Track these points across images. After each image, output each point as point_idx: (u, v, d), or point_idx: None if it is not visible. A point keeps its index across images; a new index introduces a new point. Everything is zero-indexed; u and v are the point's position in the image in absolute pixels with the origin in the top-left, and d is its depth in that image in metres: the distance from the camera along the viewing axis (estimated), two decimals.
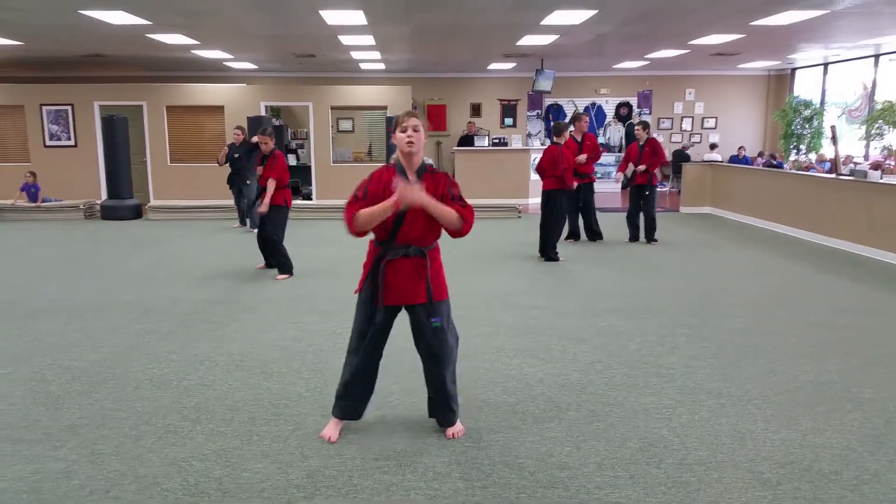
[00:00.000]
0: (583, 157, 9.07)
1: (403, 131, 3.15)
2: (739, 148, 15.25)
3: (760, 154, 15.32)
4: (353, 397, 3.42)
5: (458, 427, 3.47)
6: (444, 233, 3.26)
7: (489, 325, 5.39)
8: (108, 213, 11.95)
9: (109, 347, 4.86)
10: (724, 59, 13.87)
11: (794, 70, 16.06)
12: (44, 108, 13.60)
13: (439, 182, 3.22)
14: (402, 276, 3.21)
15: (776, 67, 16.03)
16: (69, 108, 13.63)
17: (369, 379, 3.43)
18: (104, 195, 13.04)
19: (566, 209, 8.33)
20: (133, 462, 3.18)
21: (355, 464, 3.16)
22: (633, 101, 16.80)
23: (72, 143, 13.73)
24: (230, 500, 2.85)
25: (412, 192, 3.00)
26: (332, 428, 3.44)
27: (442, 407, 3.45)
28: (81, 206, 12.21)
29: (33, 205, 12.20)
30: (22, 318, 5.61)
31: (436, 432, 3.48)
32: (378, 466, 3.14)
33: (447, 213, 3.13)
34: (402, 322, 3.35)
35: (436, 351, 3.32)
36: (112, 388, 4.10)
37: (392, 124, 3.24)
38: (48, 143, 13.66)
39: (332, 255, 8.41)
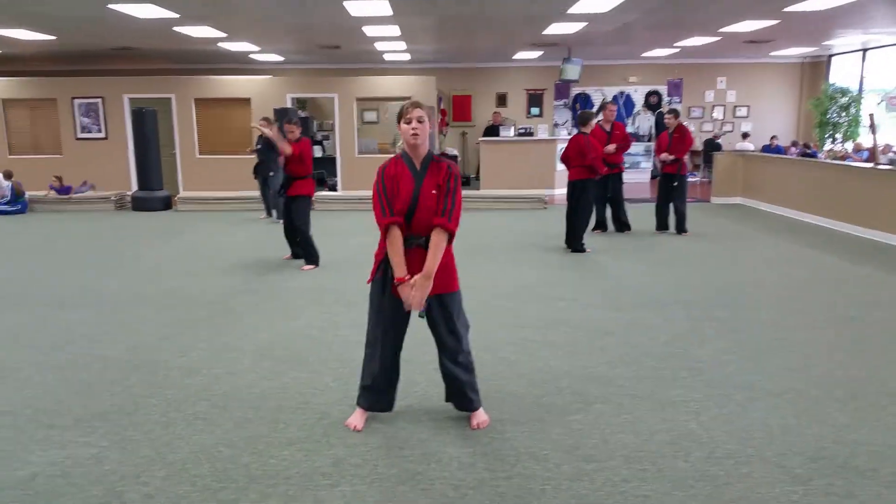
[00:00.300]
0: (612, 147, 8.98)
1: (408, 123, 3.15)
2: (772, 137, 15.01)
3: (794, 143, 15.06)
4: (377, 389, 3.43)
5: (482, 417, 3.47)
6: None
7: (514, 316, 5.37)
8: (139, 205, 12.10)
9: (140, 336, 4.92)
10: (756, 46, 13.64)
11: (830, 57, 15.74)
12: (75, 101, 13.80)
13: (441, 171, 3.18)
14: (411, 266, 3.19)
15: (811, 54, 15.72)
16: (100, 100, 13.81)
17: (391, 370, 3.44)
18: (134, 187, 13.21)
19: (593, 199, 8.25)
20: (163, 448, 3.22)
21: (380, 452, 3.17)
22: (663, 89, 16.59)
23: (102, 135, 13.91)
24: (257, 486, 2.88)
25: (410, 300, 3.19)
26: (357, 417, 3.46)
27: (457, 393, 3.47)
28: (112, 198, 12.38)
29: (65, 196, 12.39)
30: (55, 308, 5.70)
31: (461, 423, 3.48)
32: (403, 455, 3.14)
33: (440, 254, 3.17)
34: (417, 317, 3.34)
35: (444, 339, 3.35)
36: (142, 375, 4.15)
37: (397, 115, 3.22)
38: (79, 135, 13.86)
39: (357, 245, 8.43)
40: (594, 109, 16.36)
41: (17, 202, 11.77)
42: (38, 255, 8.02)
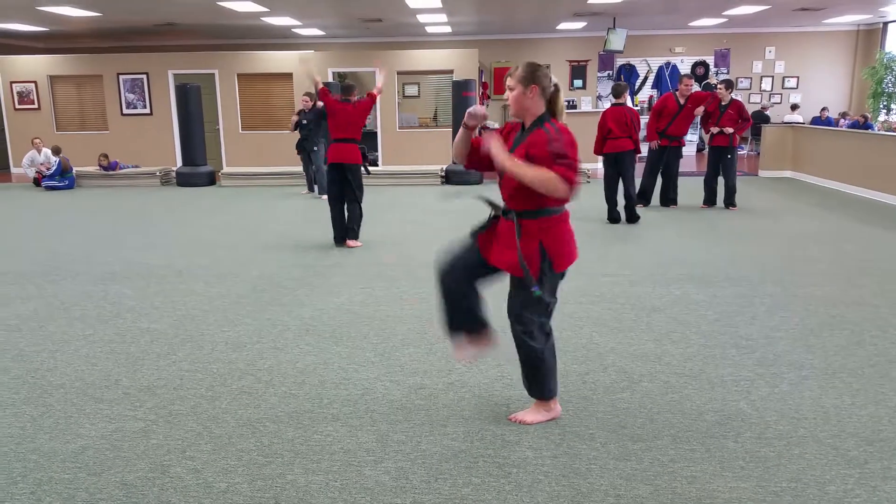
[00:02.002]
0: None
1: (509, 88, 2.99)
2: (822, 109, 14.56)
3: (843, 115, 14.58)
4: (448, 310, 3.24)
5: (522, 414, 3.26)
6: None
7: (557, 292, 5.29)
8: (183, 180, 12.25)
9: (186, 310, 4.98)
10: (808, 13, 13.19)
11: (886, 24, 15.13)
12: (120, 77, 13.99)
13: (538, 139, 2.88)
14: (492, 235, 3.08)
15: (866, 21, 15.14)
16: (144, 76, 13.99)
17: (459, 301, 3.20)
18: (179, 162, 13.38)
19: (633, 170, 8.14)
20: (209, 422, 3.26)
21: (423, 430, 3.16)
22: (710, 59, 16.17)
23: (147, 111, 14.11)
24: (302, 461, 2.89)
25: (489, 142, 2.92)
26: (459, 349, 3.36)
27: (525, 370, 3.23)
28: (157, 173, 12.56)
29: (111, 172, 12.60)
30: (103, 281, 5.80)
31: (504, 400, 3.45)
32: (446, 433, 3.12)
33: (530, 173, 2.80)
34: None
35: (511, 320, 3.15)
36: (189, 350, 4.21)
37: None
38: (125, 111, 14.07)
39: (397, 220, 8.42)
40: (635, 80, 16.10)
41: (65, 177, 12.01)
42: (86, 230, 8.17)
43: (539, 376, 3.16)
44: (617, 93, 8.01)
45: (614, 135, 7.85)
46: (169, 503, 2.61)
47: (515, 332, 3.14)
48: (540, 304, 3.09)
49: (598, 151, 8.17)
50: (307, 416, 3.31)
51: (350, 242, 7.00)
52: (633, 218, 8.02)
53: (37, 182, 12.13)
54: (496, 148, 2.90)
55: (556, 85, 3.00)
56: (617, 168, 7.99)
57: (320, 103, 9.35)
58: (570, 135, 2.91)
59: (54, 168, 11.92)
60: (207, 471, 2.83)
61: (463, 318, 3.24)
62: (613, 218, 8.09)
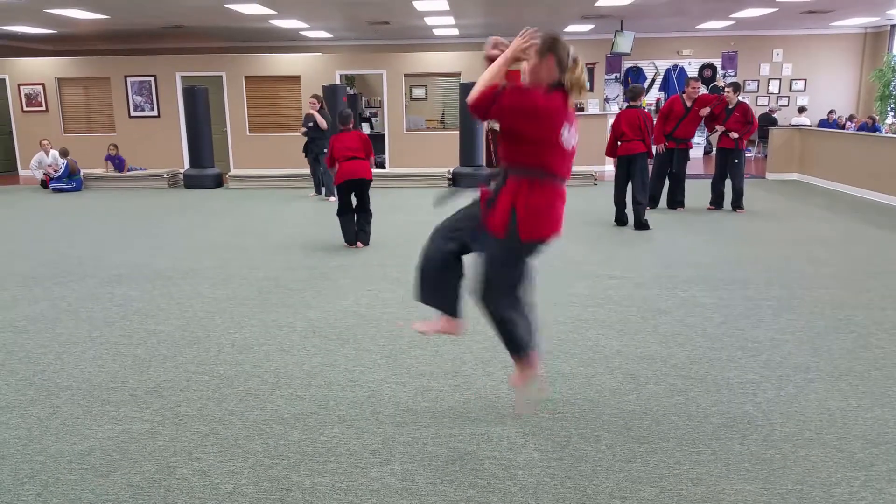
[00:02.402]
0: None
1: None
2: (829, 112, 14.51)
3: (851, 117, 14.53)
4: (427, 279, 3.22)
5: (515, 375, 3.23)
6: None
7: (563, 294, 5.30)
8: (191, 182, 12.29)
9: (192, 312, 5.00)
10: (815, 16, 13.16)
11: (893, 27, 15.09)
12: (128, 79, 14.05)
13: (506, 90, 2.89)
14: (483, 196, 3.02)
15: (873, 24, 15.10)
16: (152, 79, 14.05)
17: (443, 262, 3.16)
18: (186, 165, 13.42)
19: (646, 172, 8.07)
20: (215, 424, 3.27)
21: (429, 432, 3.16)
22: (718, 62, 16.14)
23: (155, 113, 14.17)
24: (308, 463, 2.90)
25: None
26: (423, 322, 3.42)
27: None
28: (165, 175, 12.60)
29: (119, 173, 12.66)
30: (110, 283, 5.82)
31: (510, 402, 3.45)
32: (452, 435, 3.13)
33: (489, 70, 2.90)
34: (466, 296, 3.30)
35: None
36: (195, 351, 4.22)
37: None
38: (132, 113, 14.13)
39: (404, 223, 8.43)
40: (643, 83, 16.09)
41: (73, 180, 12.06)
42: (93, 232, 8.21)
43: (515, 338, 3.12)
44: (633, 95, 8.00)
45: (627, 137, 7.83)
46: None
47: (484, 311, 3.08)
48: (501, 279, 3.00)
49: (609, 153, 8.14)
50: (313, 418, 3.31)
51: (359, 243, 7.11)
52: (641, 225, 7.85)
53: (44, 184, 12.20)
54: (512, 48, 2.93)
55: (574, 59, 2.91)
56: (628, 171, 7.95)
57: (321, 121, 9.64)
58: (544, 99, 2.85)
59: (62, 170, 11.97)
60: (214, 472, 2.84)
61: (443, 294, 3.21)
62: (621, 220, 8.07)
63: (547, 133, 2.84)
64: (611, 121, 13.22)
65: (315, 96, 10.45)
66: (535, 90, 2.87)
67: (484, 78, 2.88)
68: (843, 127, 13.96)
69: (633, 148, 7.82)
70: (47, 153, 12.23)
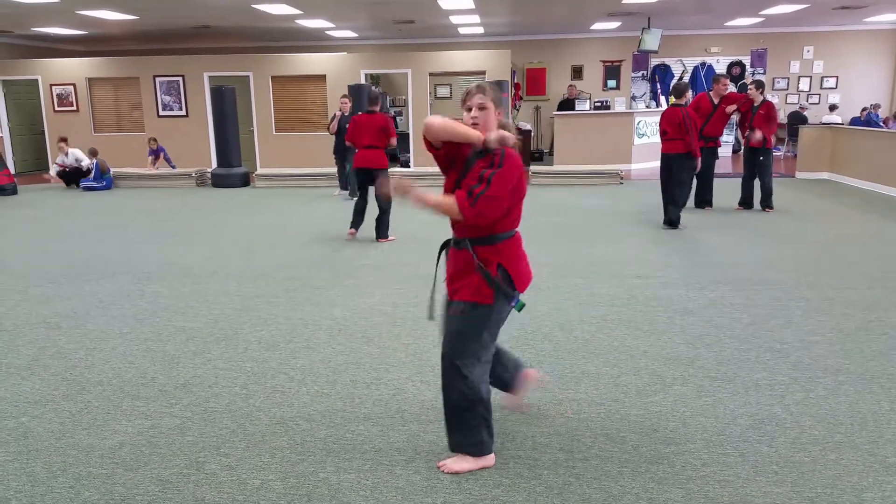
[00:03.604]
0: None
1: (468, 110, 2.75)
2: (873, 106, 14.22)
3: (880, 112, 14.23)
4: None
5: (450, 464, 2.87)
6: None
7: (589, 294, 5.28)
8: (218, 181, 12.40)
9: (221, 310, 5.05)
10: (848, 12, 12.95)
11: None
12: (157, 79, 14.21)
13: (491, 157, 2.69)
14: (450, 266, 2.90)
15: None
16: (180, 79, 14.19)
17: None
18: (214, 164, 13.55)
19: (691, 173, 7.95)
20: (243, 420, 3.30)
21: None
22: (746, 60, 15.96)
23: (183, 113, 14.31)
24: (334, 460, 2.92)
25: (402, 190, 2.69)
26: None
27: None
28: (193, 174, 12.72)
29: (155, 171, 12.82)
30: (140, 281, 5.90)
31: (536, 402, 3.44)
32: None
33: (444, 204, 2.69)
34: None
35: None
36: (223, 348, 4.26)
37: (461, 99, 2.82)
38: (161, 113, 14.29)
39: (429, 221, 8.43)
40: (670, 80, 15.96)
41: (103, 179, 12.23)
42: (123, 230, 8.32)
43: (471, 422, 2.80)
44: (677, 93, 7.91)
45: (668, 136, 7.76)
46: (204, 499, 2.66)
47: (449, 368, 2.78)
48: (479, 339, 2.78)
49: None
50: (339, 415, 3.34)
51: (381, 240, 7.34)
52: (670, 223, 7.83)
53: (61, 174, 12.40)
54: (425, 198, 2.70)
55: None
56: (668, 170, 7.84)
57: (333, 126, 9.83)
58: (514, 167, 2.69)
59: (93, 170, 12.15)
60: (241, 468, 2.87)
61: (498, 380, 3.11)
62: (670, 222, 7.93)
63: (524, 190, 2.80)
64: (637, 119, 13.21)
65: (346, 95, 10.47)
66: (509, 162, 2.68)
67: (439, 206, 2.71)
68: (885, 123, 13.66)
69: (672, 148, 7.73)
70: (66, 154, 12.40)
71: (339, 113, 10.38)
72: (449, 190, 2.79)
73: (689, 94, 8.09)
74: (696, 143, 7.67)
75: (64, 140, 12.60)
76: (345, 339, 4.40)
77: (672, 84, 16.02)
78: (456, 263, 2.85)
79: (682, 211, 8.02)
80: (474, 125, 2.73)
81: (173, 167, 13.10)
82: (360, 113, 7.50)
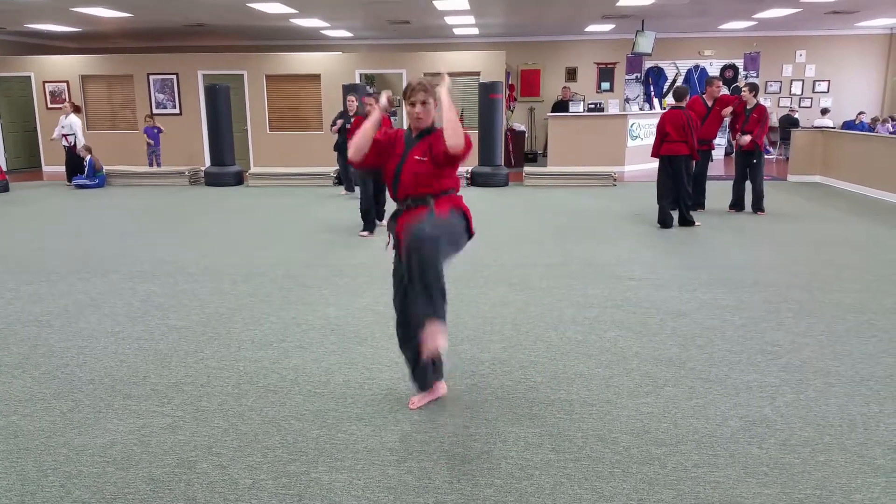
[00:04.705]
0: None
1: (412, 105, 3.22)
2: (859, 113, 14.29)
3: (881, 120, 14.28)
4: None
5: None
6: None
7: (582, 295, 5.30)
8: (212, 180, 12.38)
9: (213, 309, 5.04)
10: (840, 16, 13.02)
11: None
12: (151, 77, 14.18)
13: (436, 139, 3.17)
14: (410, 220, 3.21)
15: None
16: (174, 77, 14.16)
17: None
18: (207, 162, 13.52)
19: (690, 173, 8.10)
20: (235, 419, 3.30)
21: (446, 430, 3.18)
22: (740, 63, 16.02)
23: (177, 111, 14.28)
24: (326, 460, 2.92)
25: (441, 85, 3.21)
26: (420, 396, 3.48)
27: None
28: (186, 173, 12.69)
29: (148, 169, 12.78)
30: (132, 279, 5.89)
31: (528, 402, 3.45)
32: (469, 434, 3.14)
33: (453, 117, 3.12)
34: (488, 293, 3.32)
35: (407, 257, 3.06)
36: (216, 348, 4.26)
37: (403, 93, 3.28)
38: (155, 111, 14.25)
39: None
40: (664, 83, 16.02)
41: (96, 177, 12.19)
42: (116, 228, 8.30)
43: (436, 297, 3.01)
44: (678, 96, 7.98)
45: (671, 138, 7.83)
46: (195, 498, 2.65)
47: (434, 249, 3.01)
48: (456, 237, 3.28)
49: (654, 154, 8.11)
50: (332, 415, 3.34)
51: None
52: (685, 221, 8.02)
53: (68, 151, 12.32)
54: (445, 90, 3.21)
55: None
56: (670, 171, 7.95)
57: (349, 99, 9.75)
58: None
59: (86, 168, 12.11)
60: (233, 467, 2.87)
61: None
62: (664, 222, 8.00)
63: None
64: (630, 121, 13.24)
65: (353, 95, 10.23)
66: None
67: (457, 123, 3.11)
68: (872, 129, 13.73)
69: (675, 149, 7.83)
70: (66, 115, 12.25)
71: (349, 112, 10.21)
72: (389, 176, 3.32)
73: (688, 97, 8.17)
74: (696, 146, 7.87)
75: (69, 103, 12.48)
76: (337, 338, 4.40)
77: (666, 87, 16.12)
78: (415, 218, 3.17)
79: (675, 213, 8.08)
80: (417, 118, 3.22)
81: (151, 163, 13.08)
82: (359, 115, 7.69)
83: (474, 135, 12.65)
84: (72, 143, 12.20)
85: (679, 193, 7.98)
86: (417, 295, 2.99)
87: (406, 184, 3.23)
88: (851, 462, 2.89)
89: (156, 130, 13.18)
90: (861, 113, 14.36)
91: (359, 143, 3.25)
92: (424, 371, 3.39)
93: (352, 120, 10.09)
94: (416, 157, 3.20)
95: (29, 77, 14.38)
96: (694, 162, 8.06)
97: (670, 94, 16.21)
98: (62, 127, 12.22)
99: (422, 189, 3.21)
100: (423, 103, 3.21)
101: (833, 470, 2.83)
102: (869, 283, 5.62)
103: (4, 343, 4.38)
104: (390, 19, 12.97)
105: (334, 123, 10.60)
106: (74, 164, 12.32)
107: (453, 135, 3.05)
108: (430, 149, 3.18)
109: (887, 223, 8.21)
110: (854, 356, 4.05)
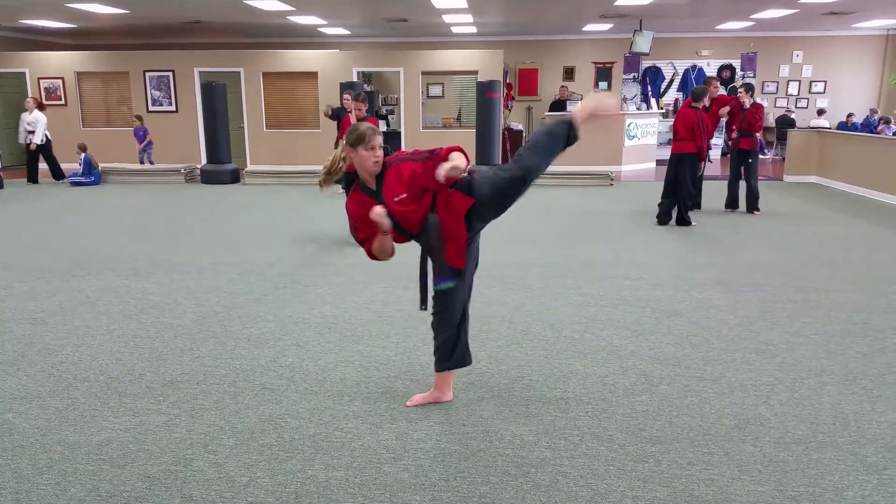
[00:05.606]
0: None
1: (371, 149, 2.97)
2: (849, 115, 14.30)
3: (883, 120, 14.28)
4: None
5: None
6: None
7: (579, 294, 5.30)
8: (208, 178, 12.35)
9: (209, 307, 5.04)
10: (837, 17, 13.05)
11: None
12: (147, 74, 14.15)
13: (402, 171, 3.00)
14: (447, 239, 3.12)
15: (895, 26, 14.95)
16: (170, 74, 14.14)
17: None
18: (203, 160, 13.50)
19: (692, 173, 8.17)
20: (231, 417, 3.30)
21: (443, 428, 3.18)
22: (737, 63, 16.05)
23: (173, 108, 14.26)
24: (322, 457, 2.92)
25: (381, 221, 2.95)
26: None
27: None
28: (182, 170, 12.67)
29: (140, 166, 12.76)
30: (127, 277, 5.88)
31: (524, 400, 3.46)
32: (465, 432, 3.15)
33: (456, 155, 2.96)
34: (484, 292, 3.33)
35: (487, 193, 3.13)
36: (212, 345, 4.26)
37: (351, 138, 2.99)
38: (151, 108, 14.23)
39: None
40: (661, 83, 16.06)
41: (92, 174, 12.16)
42: (112, 226, 8.28)
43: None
44: (696, 96, 8.07)
45: (679, 136, 8.00)
46: (191, 496, 2.66)
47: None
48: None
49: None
50: (328, 413, 3.34)
51: None
52: (682, 221, 8.08)
53: (27, 149, 12.11)
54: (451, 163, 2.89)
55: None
56: (675, 169, 8.03)
57: (344, 100, 9.57)
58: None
59: (81, 165, 12.08)
60: (229, 465, 2.88)
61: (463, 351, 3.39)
62: (659, 218, 8.11)
63: None
64: (628, 121, 13.26)
65: (349, 92, 10.15)
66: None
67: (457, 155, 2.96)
68: (877, 128, 13.71)
69: (682, 148, 7.97)
70: (30, 112, 11.98)
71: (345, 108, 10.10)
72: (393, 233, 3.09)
73: (706, 98, 8.27)
74: (705, 147, 8.00)
75: (33, 99, 12.17)
76: (334, 336, 4.41)
77: (664, 86, 16.14)
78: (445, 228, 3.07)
79: (671, 212, 8.12)
80: (376, 163, 2.99)
81: (141, 159, 13.06)
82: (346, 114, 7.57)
83: (470, 135, 12.71)
84: (32, 140, 11.98)
85: (680, 192, 8.03)
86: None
87: (411, 222, 3.06)
88: (844, 460, 2.90)
89: (142, 132, 13.11)
90: (850, 115, 14.39)
91: (381, 252, 3.15)
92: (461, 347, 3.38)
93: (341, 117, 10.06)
94: (398, 198, 2.99)
95: (24, 73, 14.34)
96: (702, 163, 8.16)
97: (667, 94, 16.33)
98: (28, 124, 12.04)
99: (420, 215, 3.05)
100: (380, 147, 3.00)
101: (826, 467, 2.84)
102: (863, 282, 5.64)
103: None
104: (388, 17, 12.97)
105: (335, 116, 10.52)
106: (33, 162, 12.15)
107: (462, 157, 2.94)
108: (411, 176, 2.97)
109: (882, 223, 8.24)
110: (847, 355, 4.07)
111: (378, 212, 2.92)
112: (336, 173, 3.12)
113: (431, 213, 3.02)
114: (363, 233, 3.12)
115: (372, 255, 3.19)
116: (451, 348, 3.32)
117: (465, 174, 3.01)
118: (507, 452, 2.97)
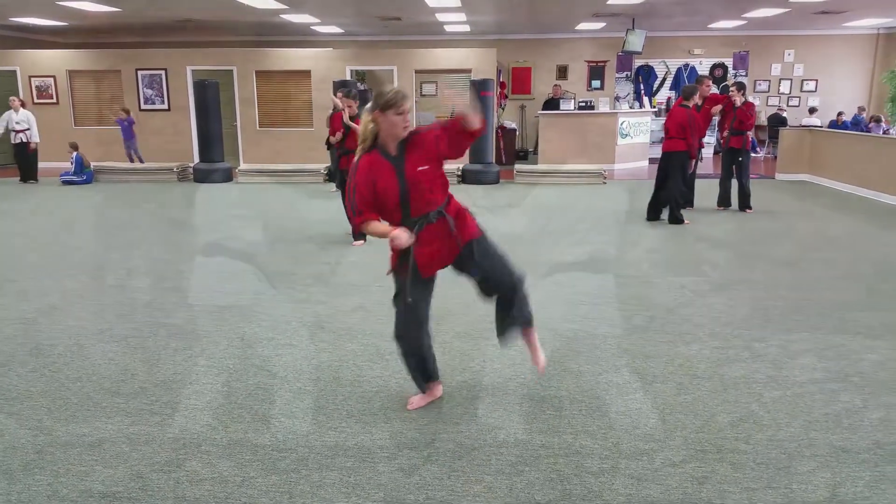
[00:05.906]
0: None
1: (400, 114, 2.97)
2: (839, 114, 14.34)
3: (877, 119, 14.33)
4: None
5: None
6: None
7: (573, 292, 5.31)
8: (200, 176, 12.31)
9: (202, 306, 5.03)
10: (828, 16, 13.09)
11: None
12: (139, 72, 14.10)
13: (427, 140, 3.05)
14: (434, 244, 3.10)
15: (886, 25, 15.01)
16: (163, 72, 14.09)
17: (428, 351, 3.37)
18: (196, 158, 13.45)
19: (684, 171, 8.21)
20: (224, 417, 3.30)
21: (437, 427, 3.18)
22: (729, 62, 16.08)
23: (165, 106, 14.20)
24: (316, 457, 2.92)
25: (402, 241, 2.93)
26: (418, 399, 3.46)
27: (520, 303, 3.29)
28: (175, 169, 12.61)
29: (132, 165, 12.71)
30: (119, 276, 5.86)
31: (517, 399, 3.46)
32: (459, 431, 3.15)
33: (458, 127, 3.02)
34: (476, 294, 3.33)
35: (488, 271, 3.19)
36: (205, 345, 4.25)
37: (378, 102, 2.98)
38: (143, 106, 14.18)
39: None
40: (654, 81, 16.09)
41: (84, 173, 12.11)
42: (104, 225, 8.25)
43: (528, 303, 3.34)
44: (685, 94, 8.08)
45: (669, 135, 8.02)
46: (184, 496, 2.65)
47: (513, 279, 3.25)
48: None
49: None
50: (322, 413, 3.34)
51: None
52: (675, 219, 8.09)
53: (22, 148, 12.01)
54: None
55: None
56: (665, 167, 8.06)
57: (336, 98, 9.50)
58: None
59: (73, 164, 12.01)
60: (222, 465, 2.87)
61: (428, 367, 3.38)
62: (648, 213, 8.17)
63: None
64: (621, 119, 13.29)
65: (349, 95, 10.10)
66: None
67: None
68: (868, 127, 13.75)
69: (672, 146, 8.00)
70: (17, 111, 11.93)
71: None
72: (394, 203, 3.06)
73: (697, 96, 8.28)
74: (696, 145, 7.99)
75: (18, 99, 12.14)
76: (328, 336, 4.40)
77: (656, 85, 16.17)
78: (438, 237, 3.10)
79: (662, 209, 8.15)
80: (406, 127, 3.01)
81: (131, 157, 12.99)
82: (338, 112, 7.39)
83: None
84: (29, 139, 11.92)
85: (670, 191, 8.04)
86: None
87: (420, 199, 3.03)
88: (837, 457, 2.92)
89: (126, 123, 13.04)
90: (840, 113, 14.44)
91: (377, 235, 3.11)
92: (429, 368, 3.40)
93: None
94: (420, 168, 3.00)
95: (15, 71, 14.26)
96: (693, 161, 8.19)
97: (659, 92, 16.37)
98: (17, 123, 11.95)
99: (436, 199, 3.07)
100: (409, 111, 3.02)
101: (819, 464, 2.86)
102: (855, 280, 5.67)
103: None
104: (381, 16, 12.95)
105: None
106: (28, 162, 12.07)
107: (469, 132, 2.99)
108: (436, 143, 3.03)
109: (873, 221, 8.27)
110: (840, 352, 4.08)
111: (405, 240, 2.92)
112: (368, 139, 3.07)
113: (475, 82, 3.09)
114: (363, 206, 3.03)
115: (361, 229, 3.15)
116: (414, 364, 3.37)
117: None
118: (501, 451, 2.97)
